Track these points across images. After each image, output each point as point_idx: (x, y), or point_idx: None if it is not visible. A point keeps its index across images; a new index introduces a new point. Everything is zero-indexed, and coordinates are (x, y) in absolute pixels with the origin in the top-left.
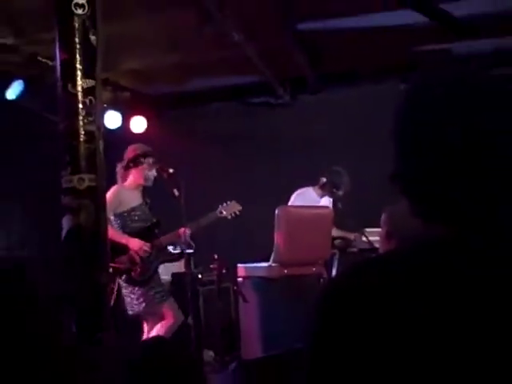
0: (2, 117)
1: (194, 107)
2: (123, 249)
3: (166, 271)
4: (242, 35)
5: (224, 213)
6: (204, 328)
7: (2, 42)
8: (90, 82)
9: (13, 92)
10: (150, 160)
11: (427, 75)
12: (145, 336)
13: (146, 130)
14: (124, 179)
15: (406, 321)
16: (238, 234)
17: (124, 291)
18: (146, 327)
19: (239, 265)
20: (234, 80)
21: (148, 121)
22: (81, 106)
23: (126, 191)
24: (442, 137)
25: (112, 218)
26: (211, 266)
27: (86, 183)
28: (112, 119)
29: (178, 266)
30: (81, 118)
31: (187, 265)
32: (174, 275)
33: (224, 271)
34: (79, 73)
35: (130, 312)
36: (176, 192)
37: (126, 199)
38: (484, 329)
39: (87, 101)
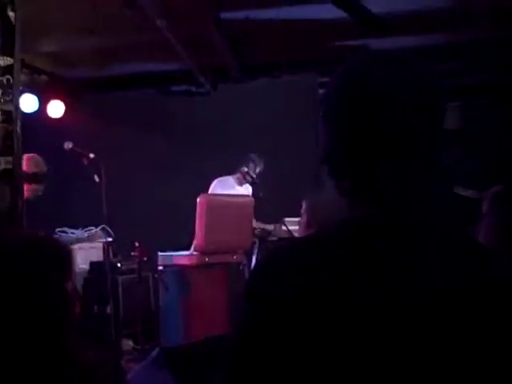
0: None
1: (114, 93)
2: None
3: (84, 260)
4: (165, 21)
5: None
6: (123, 317)
7: None
8: (8, 60)
9: None
10: None
11: (357, 59)
12: None
13: (64, 114)
14: None
15: (321, 301)
16: (158, 222)
17: None
18: None
19: (160, 253)
20: (154, 67)
21: (66, 105)
22: None
23: None
24: (370, 118)
25: None
26: (132, 253)
27: (2, 166)
28: (28, 103)
29: (97, 255)
30: None
31: (105, 253)
32: (92, 264)
33: (145, 259)
34: None
35: None
36: (96, 178)
37: None
38: (392, 301)
39: (4, 80)
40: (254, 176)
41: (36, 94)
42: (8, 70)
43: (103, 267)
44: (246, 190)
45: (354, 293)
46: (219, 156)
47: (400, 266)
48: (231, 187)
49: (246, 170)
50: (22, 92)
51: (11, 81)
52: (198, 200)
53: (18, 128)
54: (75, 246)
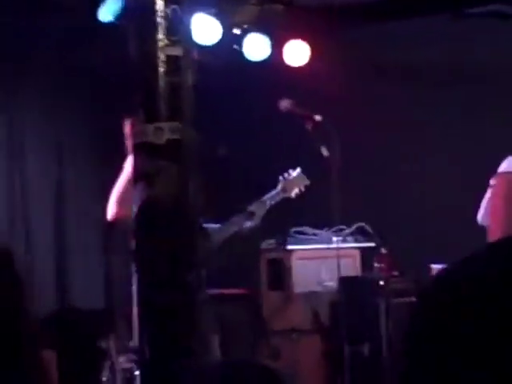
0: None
1: (377, 25)
2: None
3: (331, 274)
4: None
5: (286, 191)
6: (386, 359)
7: None
8: None
9: (108, 11)
10: None
11: None
12: None
13: (308, 60)
14: None
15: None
16: (424, 220)
17: None
18: None
19: (433, 265)
20: None
21: (310, 48)
22: (159, 19)
23: None
24: None
25: None
26: (376, 264)
27: (166, 135)
28: (257, 46)
29: (345, 267)
30: (160, 36)
31: (363, 265)
32: (342, 280)
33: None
34: None
35: None
36: (324, 151)
37: None
38: None
39: (169, 11)
40: None
41: (268, 34)
42: None
43: (359, 285)
44: None
45: None
46: None
47: None
48: None
49: None
50: (248, 31)
51: (178, 12)
52: (490, 182)
53: (190, 81)
54: (317, 254)
